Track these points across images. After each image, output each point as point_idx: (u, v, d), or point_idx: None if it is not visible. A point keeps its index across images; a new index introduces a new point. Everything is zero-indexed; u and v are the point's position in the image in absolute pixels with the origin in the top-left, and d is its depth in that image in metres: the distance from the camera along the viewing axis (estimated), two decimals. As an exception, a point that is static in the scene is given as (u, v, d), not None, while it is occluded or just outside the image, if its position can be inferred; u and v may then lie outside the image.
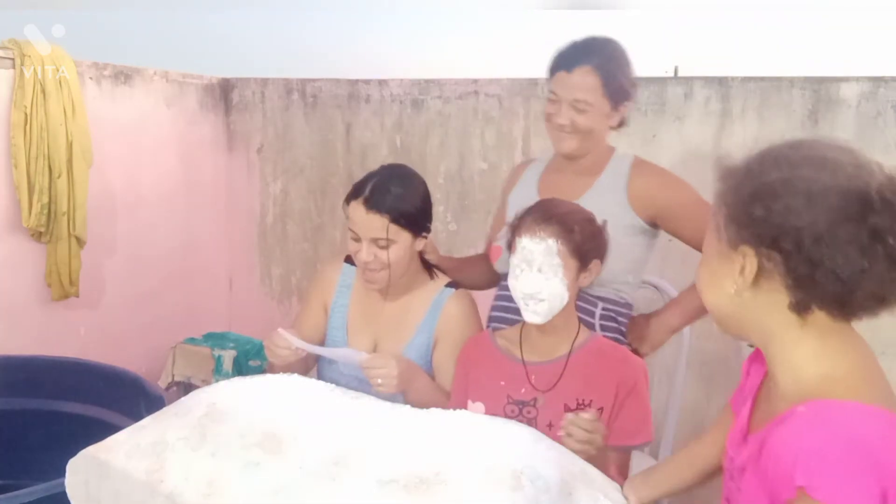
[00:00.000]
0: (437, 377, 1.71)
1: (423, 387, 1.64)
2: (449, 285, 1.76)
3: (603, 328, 1.71)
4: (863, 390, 0.93)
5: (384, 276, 1.67)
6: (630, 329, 1.76)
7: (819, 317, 0.95)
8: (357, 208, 1.63)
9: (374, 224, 1.61)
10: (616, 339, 1.71)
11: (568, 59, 1.72)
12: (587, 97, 1.69)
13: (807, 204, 0.89)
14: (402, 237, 1.64)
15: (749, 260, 0.95)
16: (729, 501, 1.11)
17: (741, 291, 0.98)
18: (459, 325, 1.71)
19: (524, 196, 1.86)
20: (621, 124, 1.82)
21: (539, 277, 1.43)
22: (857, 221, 0.87)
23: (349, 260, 1.83)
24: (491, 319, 1.80)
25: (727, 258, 0.99)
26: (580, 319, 1.64)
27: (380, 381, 1.54)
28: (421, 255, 1.76)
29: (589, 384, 1.47)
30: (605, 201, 1.72)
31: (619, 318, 1.75)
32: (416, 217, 1.66)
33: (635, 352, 1.75)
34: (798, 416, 0.92)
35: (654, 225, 1.76)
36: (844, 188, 0.88)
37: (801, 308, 0.94)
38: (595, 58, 1.69)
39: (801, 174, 0.91)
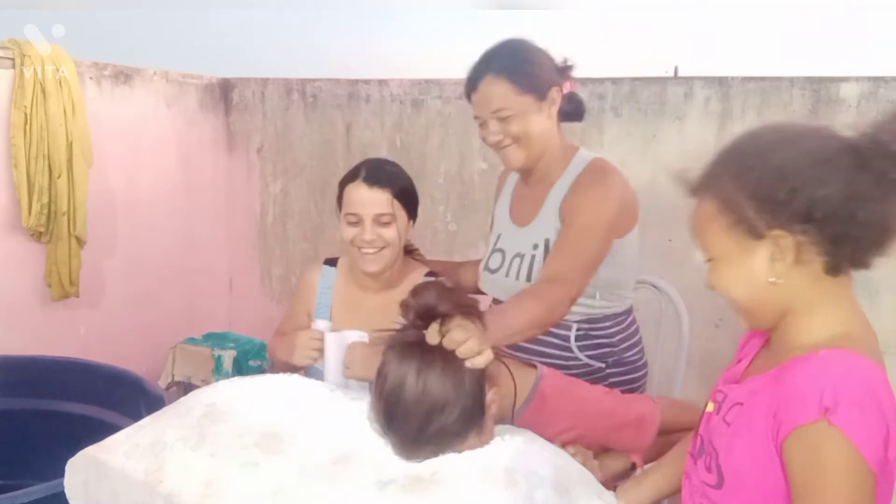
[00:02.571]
0: None
1: None
2: (429, 275, 1.77)
3: (581, 349, 1.67)
4: (871, 351, 1.00)
5: (386, 255, 1.67)
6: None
7: (842, 279, 1.01)
8: (357, 188, 1.65)
9: (378, 199, 1.64)
10: (602, 354, 1.67)
11: (471, 80, 1.65)
12: (502, 103, 1.60)
13: (825, 170, 0.95)
14: (401, 216, 1.68)
15: (784, 242, 0.98)
16: (703, 442, 1.12)
17: (780, 275, 1.00)
18: None
19: (500, 214, 1.82)
20: (577, 114, 1.71)
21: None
22: (866, 170, 0.94)
23: (329, 262, 1.85)
24: None
25: (751, 251, 1.01)
26: (557, 343, 1.61)
27: (348, 364, 1.59)
28: (405, 248, 1.78)
29: (553, 435, 1.37)
30: (550, 218, 1.64)
31: (594, 333, 1.68)
32: (412, 195, 1.71)
33: (629, 350, 1.73)
34: (822, 356, 0.97)
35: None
36: (843, 146, 0.96)
37: (837, 269, 1.00)
38: (492, 64, 1.62)
39: (805, 146, 0.98)
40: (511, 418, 1.40)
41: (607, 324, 1.69)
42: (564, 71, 1.67)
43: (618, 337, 1.71)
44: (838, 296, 1.02)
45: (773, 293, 1.02)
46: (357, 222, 1.66)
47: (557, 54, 1.67)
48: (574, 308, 1.59)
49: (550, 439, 1.35)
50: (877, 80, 2.22)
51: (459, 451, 1.19)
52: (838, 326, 1.01)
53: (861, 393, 0.93)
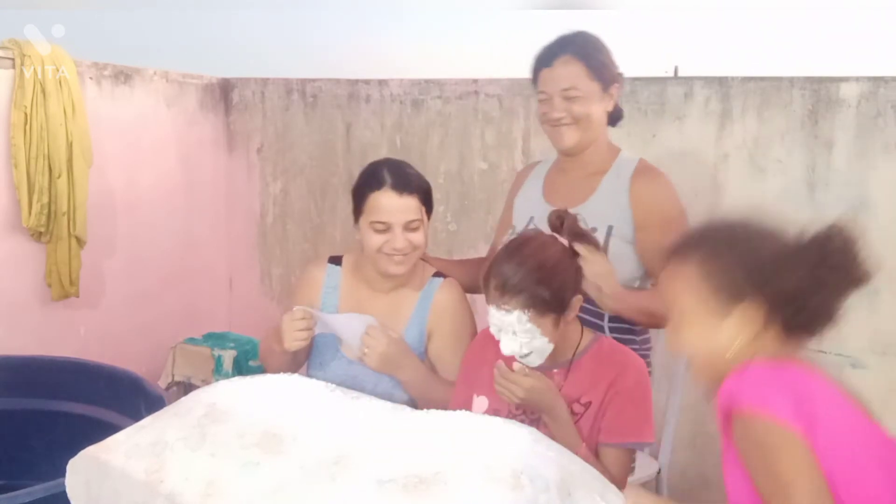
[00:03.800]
0: (437, 367, 1.73)
1: (412, 379, 1.66)
2: (436, 275, 1.77)
3: (612, 330, 1.71)
4: (796, 365, 1.14)
5: (413, 258, 1.69)
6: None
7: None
8: (385, 195, 1.64)
9: (409, 206, 1.64)
10: (629, 340, 1.71)
11: (545, 57, 1.75)
12: (574, 83, 1.70)
13: (797, 260, 1.12)
14: (425, 217, 1.69)
15: (757, 313, 1.14)
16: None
17: (746, 341, 1.14)
18: (451, 315, 1.73)
19: (530, 199, 1.86)
20: (618, 118, 1.82)
21: (517, 340, 1.41)
22: (825, 264, 1.12)
23: (333, 261, 1.84)
24: None
25: (722, 317, 1.15)
26: (590, 321, 1.66)
27: (366, 350, 1.61)
28: None
29: (590, 387, 1.48)
30: (610, 205, 1.72)
31: (631, 323, 1.73)
32: (431, 196, 1.72)
33: (645, 348, 1.76)
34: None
35: None
36: (808, 243, 1.14)
37: (790, 335, 1.16)
38: (570, 46, 1.72)
39: (783, 239, 1.15)
40: (570, 362, 1.50)
41: None
42: (619, 76, 1.78)
43: (639, 328, 1.77)
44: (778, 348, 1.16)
45: (734, 354, 1.15)
46: (385, 230, 1.64)
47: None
48: None
49: (590, 387, 1.47)
50: (877, 80, 2.22)
51: (536, 326, 1.38)
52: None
53: (765, 376, 1.07)
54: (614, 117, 1.83)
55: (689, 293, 1.18)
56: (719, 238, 1.19)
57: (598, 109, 1.74)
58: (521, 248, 1.44)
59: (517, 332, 1.40)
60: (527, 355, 1.43)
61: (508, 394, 1.42)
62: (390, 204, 1.63)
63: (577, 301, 1.45)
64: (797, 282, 1.11)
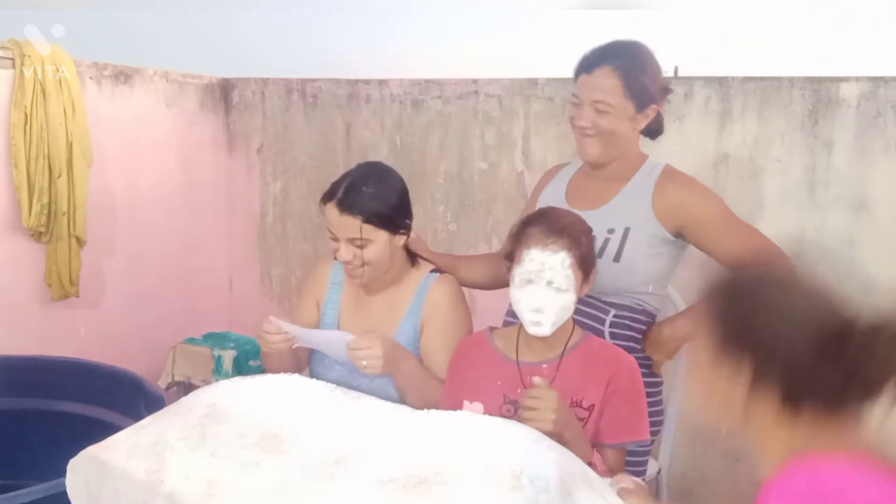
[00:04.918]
0: (426, 360, 1.72)
1: (410, 370, 1.66)
2: (434, 271, 1.78)
3: (613, 336, 1.69)
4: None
5: (367, 271, 1.69)
6: (646, 337, 1.74)
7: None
8: (331, 210, 1.66)
9: (348, 225, 1.64)
10: (629, 347, 1.69)
11: (589, 62, 1.71)
12: (607, 98, 1.67)
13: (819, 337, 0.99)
14: (379, 235, 1.66)
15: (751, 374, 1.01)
16: None
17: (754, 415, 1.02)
18: (445, 308, 1.73)
19: (553, 199, 1.86)
20: (657, 132, 1.80)
21: (548, 291, 1.42)
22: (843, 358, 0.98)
23: None
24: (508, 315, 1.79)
25: (736, 383, 1.03)
26: (589, 325, 1.67)
27: (365, 362, 1.58)
28: (407, 247, 1.78)
29: (582, 383, 1.49)
30: (630, 209, 1.71)
31: (635, 326, 1.73)
32: (390, 216, 1.68)
33: (647, 358, 1.75)
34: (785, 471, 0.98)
35: (679, 236, 1.72)
36: (840, 331, 1.01)
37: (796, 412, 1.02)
38: (615, 59, 1.68)
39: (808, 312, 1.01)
40: (560, 357, 1.51)
41: (642, 318, 1.74)
42: (665, 93, 1.75)
43: (643, 329, 1.76)
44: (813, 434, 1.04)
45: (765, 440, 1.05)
46: (336, 239, 1.68)
47: (665, 67, 1.77)
48: (614, 298, 1.70)
49: (583, 386, 1.47)
50: (877, 80, 2.22)
51: (573, 274, 1.43)
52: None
53: (796, 491, 0.94)
54: (654, 131, 1.80)
55: (703, 349, 1.08)
56: (739, 292, 1.05)
57: (627, 127, 1.71)
58: (554, 209, 1.55)
59: (553, 281, 1.42)
60: (546, 315, 1.43)
61: (540, 415, 1.37)
62: (333, 218, 1.66)
63: (593, 276, 1.51)
64: (804, 357, 0.99)
